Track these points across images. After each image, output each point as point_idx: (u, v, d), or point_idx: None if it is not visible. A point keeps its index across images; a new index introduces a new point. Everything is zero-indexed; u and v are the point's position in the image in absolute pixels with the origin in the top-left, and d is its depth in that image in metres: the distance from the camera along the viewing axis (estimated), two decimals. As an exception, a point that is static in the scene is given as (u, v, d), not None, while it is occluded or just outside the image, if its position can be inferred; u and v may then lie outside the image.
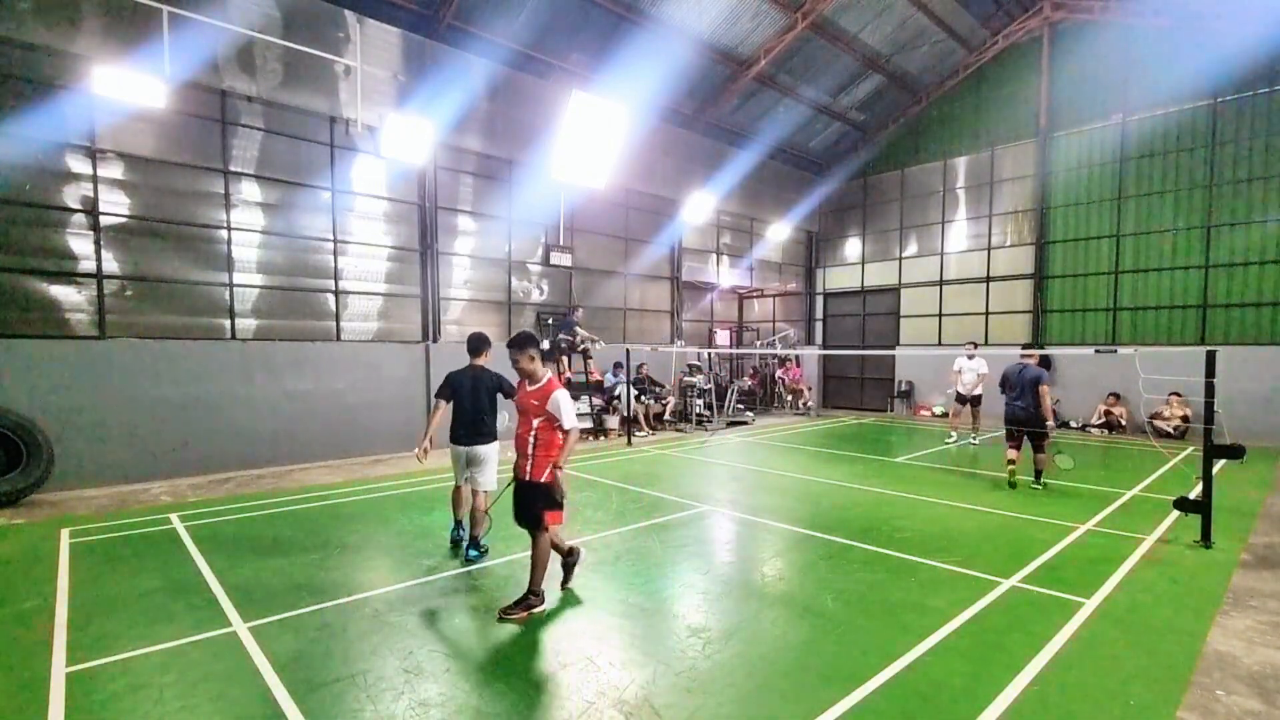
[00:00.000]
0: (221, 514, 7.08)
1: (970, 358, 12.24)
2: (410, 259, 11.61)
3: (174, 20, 8.45)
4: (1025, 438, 8.40)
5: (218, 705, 3.30)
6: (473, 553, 5.56)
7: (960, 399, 12.44)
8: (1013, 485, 8.32)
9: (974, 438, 12.26)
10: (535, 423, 4.44)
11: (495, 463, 5.73)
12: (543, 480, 4.39)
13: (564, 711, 3.23)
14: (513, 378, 5.00)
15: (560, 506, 4.46)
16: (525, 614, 4.33)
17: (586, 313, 14.23)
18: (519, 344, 4.51)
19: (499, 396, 5.81)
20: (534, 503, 4.42)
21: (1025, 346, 9.84)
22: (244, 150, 9.65)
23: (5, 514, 7.06)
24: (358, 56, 10.24)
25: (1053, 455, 8.42)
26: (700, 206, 16.18)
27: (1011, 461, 8.39)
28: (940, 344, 17.32)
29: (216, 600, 4.64)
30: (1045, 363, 15.42)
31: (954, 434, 12.79)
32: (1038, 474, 8.42)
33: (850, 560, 5.56)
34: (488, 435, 5.70)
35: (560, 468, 4.40)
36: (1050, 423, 8.26)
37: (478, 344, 5.95)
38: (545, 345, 12.99)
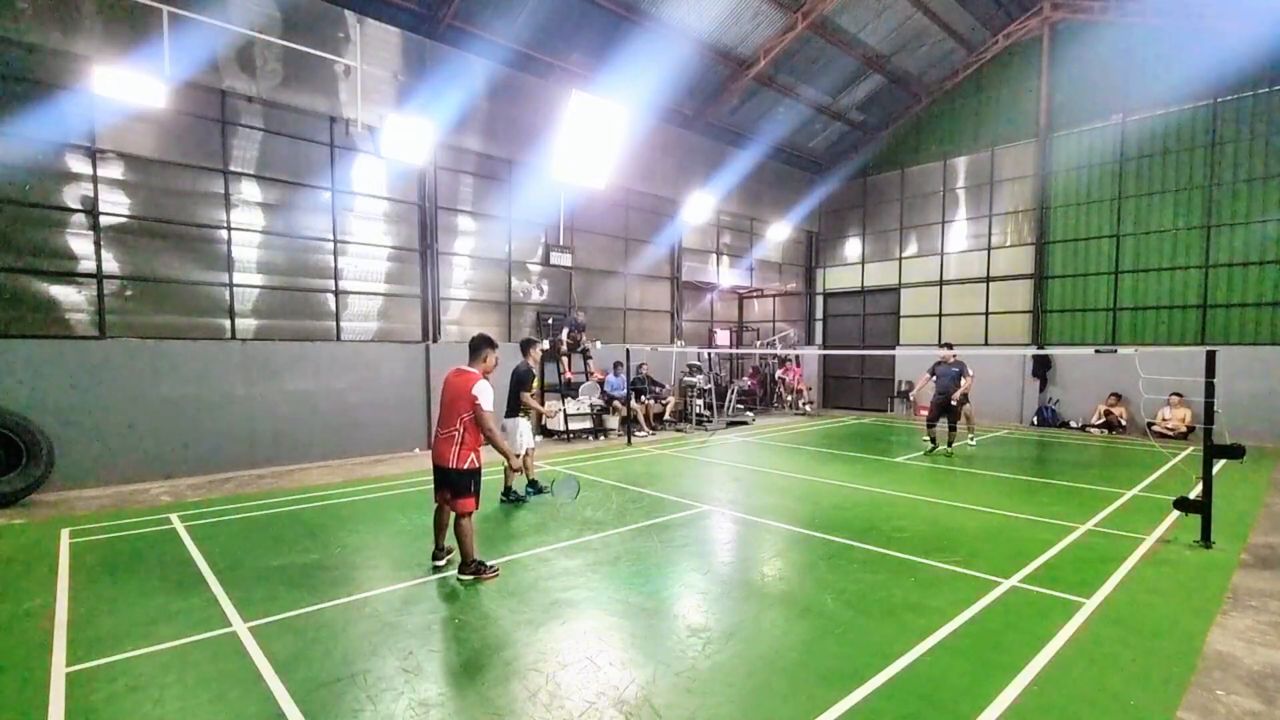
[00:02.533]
0: (222, 514, 7.08)
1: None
2: (410, 259, 11.61)
3: (174, 20, 8.45)
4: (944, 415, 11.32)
5: (218, 706, 3.30)
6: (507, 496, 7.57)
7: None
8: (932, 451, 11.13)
9: (971, 439, 12.24)
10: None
11: (513, 432, 7.53)
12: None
13: (564, 711, 3.23)
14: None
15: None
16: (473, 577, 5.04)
17: (585, 314, 14.22)
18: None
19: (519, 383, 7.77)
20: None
21: (948, 346, 11.77)
22: (244, 150, 9.66)
23: (5, 514, 7.06)
24: (358, 56, 10.24)
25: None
26: (700, 206, 16.18)
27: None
28: (940, 344, 17.28)
29: (216, 600, 4.64)
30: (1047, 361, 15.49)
31: (973, 437, 12.60)
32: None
33: (850, 560, 5.56)
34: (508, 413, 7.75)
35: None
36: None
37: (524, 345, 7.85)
38: (546, 345, 13.06)
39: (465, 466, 4.94)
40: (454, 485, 4.99)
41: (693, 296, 17.76)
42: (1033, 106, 15.89)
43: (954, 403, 11.25)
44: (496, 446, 5.01)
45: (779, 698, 3.37)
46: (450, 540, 5.26)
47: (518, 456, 7.44)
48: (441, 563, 5.28)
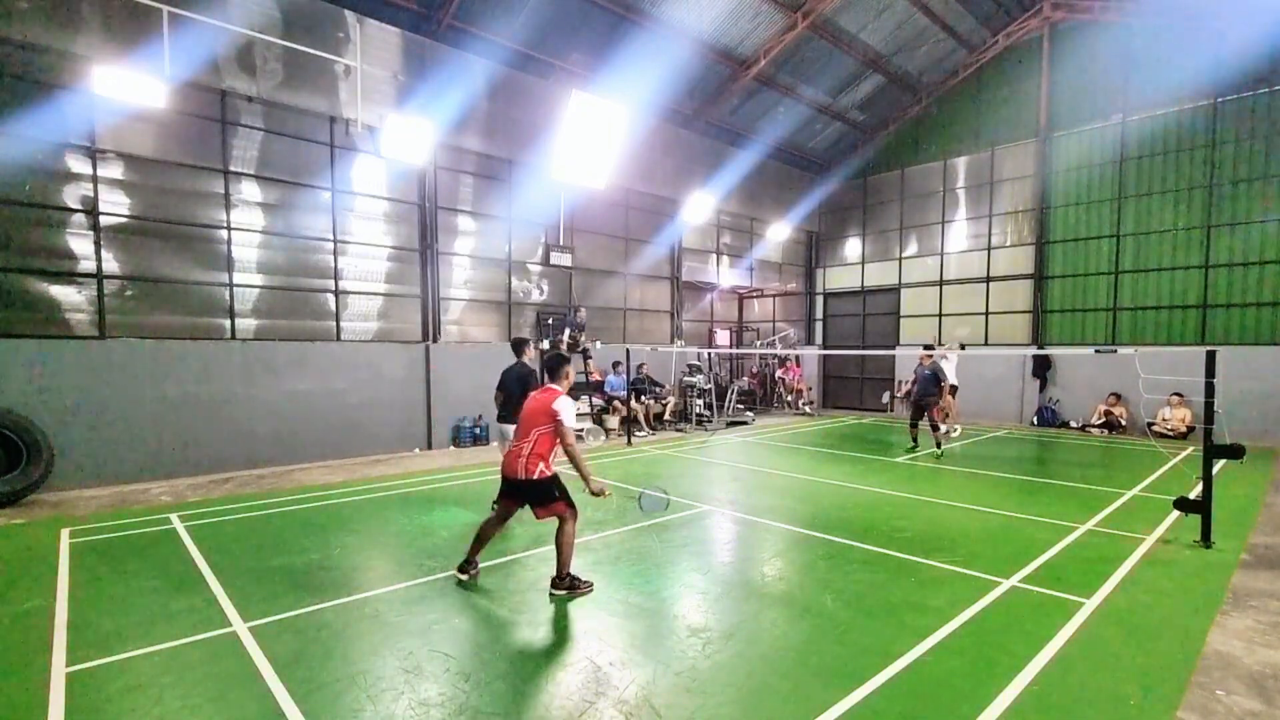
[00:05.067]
0: (221, 514, 7.08)
1: (944, 359, 12.58)
2: (410, 259, 11.61)
3: (174, 20, 8.45)
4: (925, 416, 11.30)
5: (218, 705, 3.30)
6: None
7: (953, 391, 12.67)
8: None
9: (954, 429, 12.56)
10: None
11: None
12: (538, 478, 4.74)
13: (564, 711, 3.23)
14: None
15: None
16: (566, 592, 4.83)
17: (586, 313, 14.22)
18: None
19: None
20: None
21: (927, 348, 11.90)
22: (244, 150, 9.66)
23: (5, 514, 7.06)
24: (358, 56, 10.24)
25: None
26: (700, 206, 16.18)
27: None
28: (940, 344, 17.30)
29: (216, 600, 4.64)
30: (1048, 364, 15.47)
31: (956, 428, 12.99)
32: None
33: (850, 560, 5.56)
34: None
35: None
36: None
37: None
38: (545, 345, 13.07)
39: (535, 476, 4.68)
40: (533, 496, 4.76)
41: (693, 296, 17.75)
42: (1033, 106, 15.89)
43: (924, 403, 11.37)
44: (577, 463, 4.67)
45: (779, 698, 3.37)
46: (479, 556, 5.04)
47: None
48: (465, 576, 4.91)
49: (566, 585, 4.79)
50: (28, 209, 8.02)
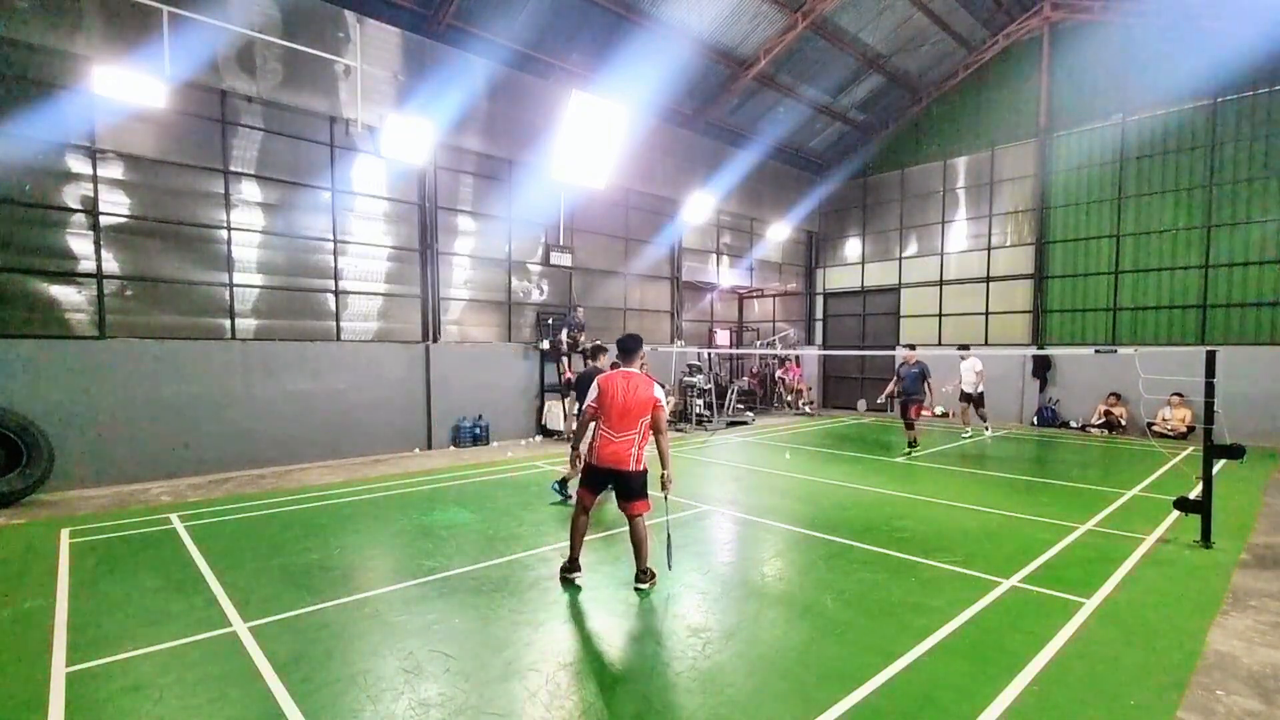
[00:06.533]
0: (221, 514, 7.08)
1: (963, 359, 12.63)
2: (410, 259, 11.61)
3: (174, 20, 8.45)
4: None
5: (218, 705, 3.30)
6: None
7: (965, 397, 12.79)
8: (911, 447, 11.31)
9: (987, 431, 12.52)
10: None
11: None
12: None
13: (564, 711, 3.23)
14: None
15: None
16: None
17: (586, 313, 14.22)
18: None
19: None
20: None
21: (909, 348, 11.98)
22: (244, 150, 9.65)
23: (5, 514, 7.06)
24: (358, 56, 10.24)
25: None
26: (700, 206, 16.18)
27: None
28: (940, 344, 17.33)
29: (216, 600, 4.64)
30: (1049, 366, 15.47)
31: (968, 430, 13.16)
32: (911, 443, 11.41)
33: (850, 560, 5.56)
34: None
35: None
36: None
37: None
38: (545, 345, 13.07)
39: (642, 467, 4.81)
40: (631, 488, 4.81)
41: (693, 296, 17.75)
42: (1033, 106, 15.89)
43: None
44: (665, 449, 4.92)
45: (779, 698, 3.37)
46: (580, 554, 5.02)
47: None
48: (574, 576, 4.90)
49: (651, 577, 4.89)
50: (28, 209, 8.02)
